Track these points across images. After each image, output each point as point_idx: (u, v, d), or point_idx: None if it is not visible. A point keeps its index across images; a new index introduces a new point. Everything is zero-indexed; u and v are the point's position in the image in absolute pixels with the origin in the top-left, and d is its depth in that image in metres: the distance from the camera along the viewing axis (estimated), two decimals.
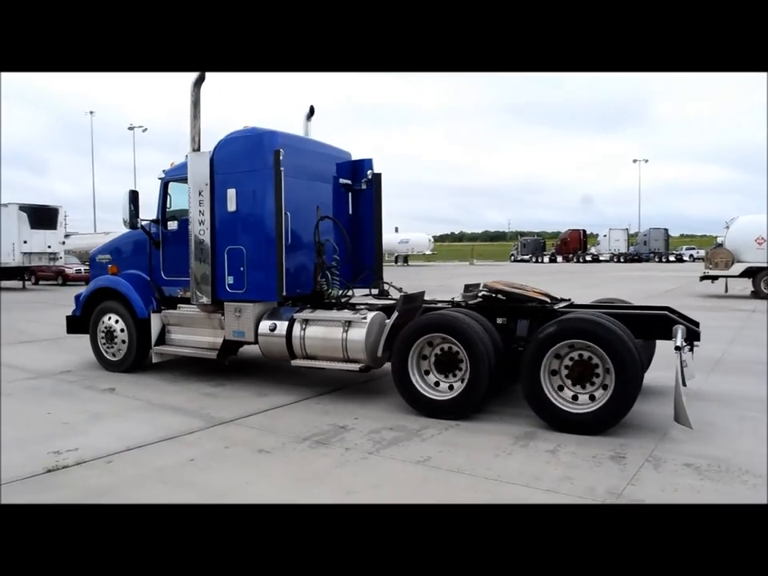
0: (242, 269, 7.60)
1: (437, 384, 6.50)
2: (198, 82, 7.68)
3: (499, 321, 6.80)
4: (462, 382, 6.30)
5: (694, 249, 62.89)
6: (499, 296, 7.00)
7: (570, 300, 7.52)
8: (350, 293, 8.15)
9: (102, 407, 6.93)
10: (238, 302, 7.67)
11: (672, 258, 60.98)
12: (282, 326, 7.44)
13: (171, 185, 8.50)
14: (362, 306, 7.59)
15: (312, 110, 9.51)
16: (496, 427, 6.02)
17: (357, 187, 8.98)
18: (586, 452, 5.26)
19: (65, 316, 9.51)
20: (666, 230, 64.73)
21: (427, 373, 6.57)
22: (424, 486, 4.67)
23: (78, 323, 9.23)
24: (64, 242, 30.04)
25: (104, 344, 8.83)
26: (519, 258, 70.64)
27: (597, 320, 5.78)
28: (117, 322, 8.68)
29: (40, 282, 31.28)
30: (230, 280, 7.68)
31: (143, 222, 8.61)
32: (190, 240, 7.81)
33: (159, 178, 8.62)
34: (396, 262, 65.35)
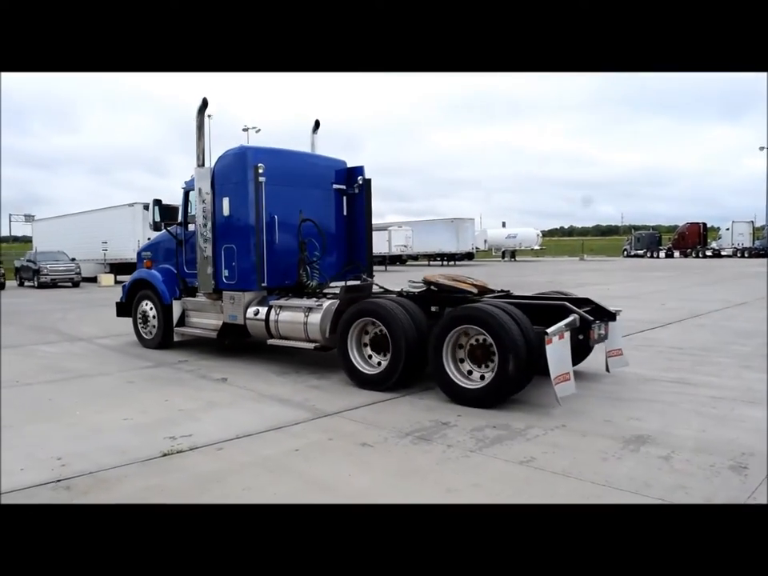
0: (233, 264, 9.13)
1: (371, 359, 7.65)
2: (202, 109, 9.30)
3: (433, 309, 7.82)
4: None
5: None
6: (432, 287, 8.00)
7: (507, 291, 8.35)
8: (326, 284, 9.45)
9: (215, 396, 7.30)
10: (232, 291, 9.23)
11: None
12: (262, 312, 8.90)
13: (190, 193, 10.18)
14: (330, 295, 8.85)
15: (317, 124, 10.87)
16: (605, 429, 5.78)
17: (350, 192, 10.25)
18: (703, 460, 4.94)
19: (115, 302, 11.54)
20: None
21: (370, 356, 7.71)
22: (526, 487, 4.50)
23: (123, 308, 11.24)
24: None
25: (141, 325, 10.77)
26: (633, 253, 67.38)
27: (484, 308, 6.67)
28: (150, 307, 10.55)
29: None
30: (225, 273, 9.24)
31: (170, 226, 10.40)
32: (197, 239, 9.46)
33: (182, 188, 10.36)
34: (503, 257, 64.91)
